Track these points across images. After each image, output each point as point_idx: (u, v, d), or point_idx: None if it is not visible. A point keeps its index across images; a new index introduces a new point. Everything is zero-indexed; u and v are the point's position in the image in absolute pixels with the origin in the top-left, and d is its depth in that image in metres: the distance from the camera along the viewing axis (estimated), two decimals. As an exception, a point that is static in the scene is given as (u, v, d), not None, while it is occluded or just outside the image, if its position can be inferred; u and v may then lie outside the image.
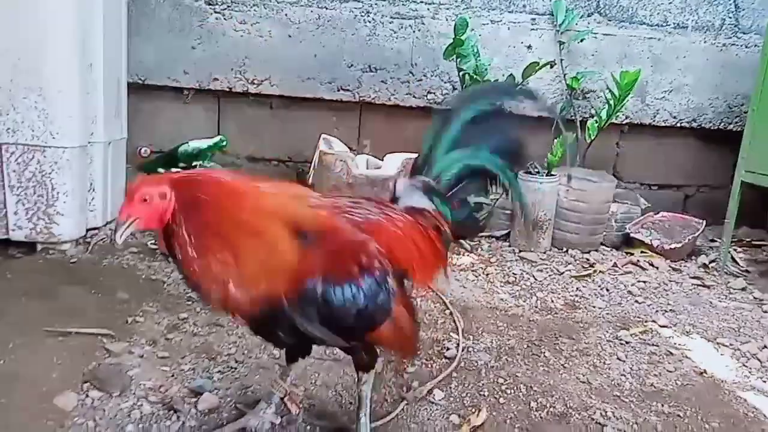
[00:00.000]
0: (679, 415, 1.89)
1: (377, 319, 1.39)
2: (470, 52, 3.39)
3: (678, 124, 4.07)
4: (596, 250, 3.52)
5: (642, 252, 3.51)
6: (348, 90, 3.82)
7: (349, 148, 3.57)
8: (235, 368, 1.96)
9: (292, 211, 1.33)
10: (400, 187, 1.67)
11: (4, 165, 2.58)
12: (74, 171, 2.68)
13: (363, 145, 3.78)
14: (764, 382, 2.17)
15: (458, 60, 3.45)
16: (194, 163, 3.55)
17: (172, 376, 1.88)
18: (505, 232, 3.58)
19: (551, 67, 3.69)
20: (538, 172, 3.45)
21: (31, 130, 2.56)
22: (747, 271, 3.41)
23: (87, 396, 1.72)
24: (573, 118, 3.85)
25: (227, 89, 3.79)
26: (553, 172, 3.47)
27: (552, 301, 2.76)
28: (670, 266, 3.35)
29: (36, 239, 2.69)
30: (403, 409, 1.80)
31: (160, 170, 3.53)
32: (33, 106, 2.53)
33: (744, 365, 2.28)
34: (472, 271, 3.06)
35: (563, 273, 3.14)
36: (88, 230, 2.89)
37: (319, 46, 3.75)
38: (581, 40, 3.77)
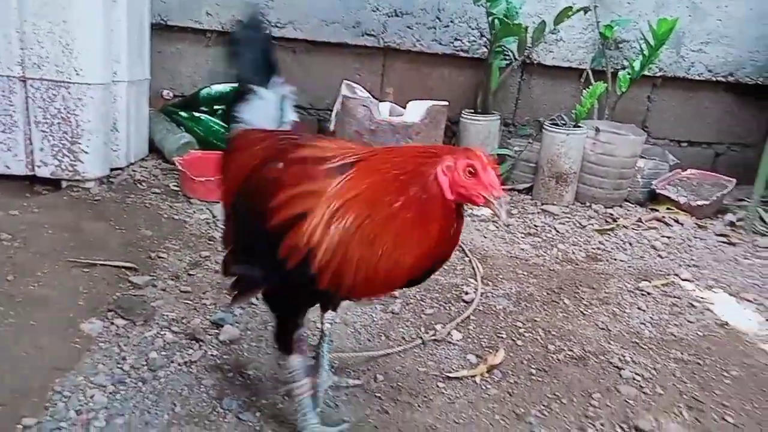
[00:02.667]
0: (698, 363, 1.87)
1: None
2: (500, -6, 3.26)
3: (713, 78, 3.91)
4: (620, 206, 3.46)
5: (668, 209, 3.43)
6: (372, 35, 3.73)
7: (371, 95, 3.51)
8: (255, 305, 1.99)
9: None
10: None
11: (29, 100, 2.60)
12: (98, 109, 2.68)
13: (386, 93, 3.70)
14: (788, 336, 2.14)
15: (488, 4, 3.33)
16: (216, 107, 3.53)
17: (194, 309, 1.91)
18: (528, 185, 3.53)
19: (585, 13, 3.55)
20: (564, 124, 3.37)
21: (55, 65, 2.56)
22: (775, 230, 3.32)
23: (112, 323, 1.77)
24: (604, 68, 3.72)
25: (250, 32, 3.72)
26: (580, 124, 3.38)
27: (573, 253, 2.73)
28: (695, 223, 3.28)
29: (61, 176, 2.72)
30: (418, 347, 1.82)
31: (182, 113, 3.52)
32: (57, 40, 2.52)
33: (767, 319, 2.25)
34: (493, 221, 3.03)
35: (585, 226, 3.09)
36: (111, 170, 2.92)
37: (344, -12, 3.65)
38: (617, -13, 3.61)
